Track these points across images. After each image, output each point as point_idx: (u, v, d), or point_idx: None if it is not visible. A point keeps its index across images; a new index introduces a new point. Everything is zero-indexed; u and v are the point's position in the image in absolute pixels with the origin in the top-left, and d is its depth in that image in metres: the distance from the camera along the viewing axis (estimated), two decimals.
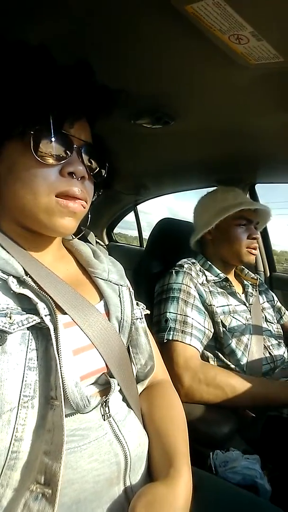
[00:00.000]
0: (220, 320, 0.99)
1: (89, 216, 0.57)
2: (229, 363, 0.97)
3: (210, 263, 1.11)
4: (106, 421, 0.48)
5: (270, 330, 1.10)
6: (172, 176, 1.62)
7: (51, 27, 0.63)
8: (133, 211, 2.48)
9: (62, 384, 0.42)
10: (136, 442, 0.50)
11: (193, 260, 1.12)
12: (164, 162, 1.44)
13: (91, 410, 0.46)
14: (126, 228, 2.85)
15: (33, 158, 0.46)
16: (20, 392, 0.40)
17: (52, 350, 0.43)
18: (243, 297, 1.13)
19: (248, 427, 0.89)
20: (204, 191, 1.24)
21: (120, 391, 0.53)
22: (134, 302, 0.62)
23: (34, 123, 0.46)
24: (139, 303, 0.66)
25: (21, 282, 0.46)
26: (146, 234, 2.47)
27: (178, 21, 0.56)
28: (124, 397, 0.54)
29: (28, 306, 0.44)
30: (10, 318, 0.42)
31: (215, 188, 1.26)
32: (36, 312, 0.44)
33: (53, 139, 0.46)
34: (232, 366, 0.97)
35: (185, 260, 1.11)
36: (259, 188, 1.53)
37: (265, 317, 1.13)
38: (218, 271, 1.10)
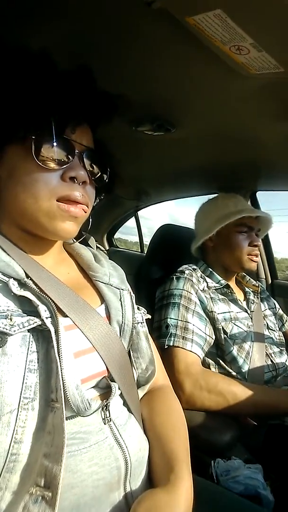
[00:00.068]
0: (221, 327, 0.98)
1: (90, 220, 0.57)
2: (230, 370, 0.96)
3: (211, 270, 1.11)
4: (107, 425, 0.48)
5: (272, 338, 1.09)
6: (173, 182, 1.63)
7: (51, 32, 0.64)
8: (134, 217, 2.49)
9: (63, 386, 0.42)
10: (137, 447, 0.50)
11: (194, 266, 1.12)
12: (165, 168, 1.45)
13: (91, 414, 0.46)
14: (126, 233, 2.86)
15: (34, 163, 0.46)
16: (20, 394, 0.40)
17: (53, 352, 0.42)
18: (244, 304, 1.12)
19: (249, 435, 0.88)
20: (205, 198, 1.25)
21: (121, 395, 0.53)
22: (135, 306, 0.62)
23: (35, 128, 0.46)
24: (140, 307, 0.65)
25: (22, 284, 0.46)
26: (146, 240, 2.48)
27: (179, 29, 0.57)
28: (125, 401, 0.53)
29: (29, 308, 0.44)
30: (11, 320, 0.42)
31: (216, 194, 1.26)
32: (37, 314, 0.44)
33: (54, 144, 0.47)
34: (234, 373, 0.96)
35: (186, 266, 1.11)
36: (261, 195, 1.54)
37: (267, 324, 1.12)
38: (219, 278, 1.10)
